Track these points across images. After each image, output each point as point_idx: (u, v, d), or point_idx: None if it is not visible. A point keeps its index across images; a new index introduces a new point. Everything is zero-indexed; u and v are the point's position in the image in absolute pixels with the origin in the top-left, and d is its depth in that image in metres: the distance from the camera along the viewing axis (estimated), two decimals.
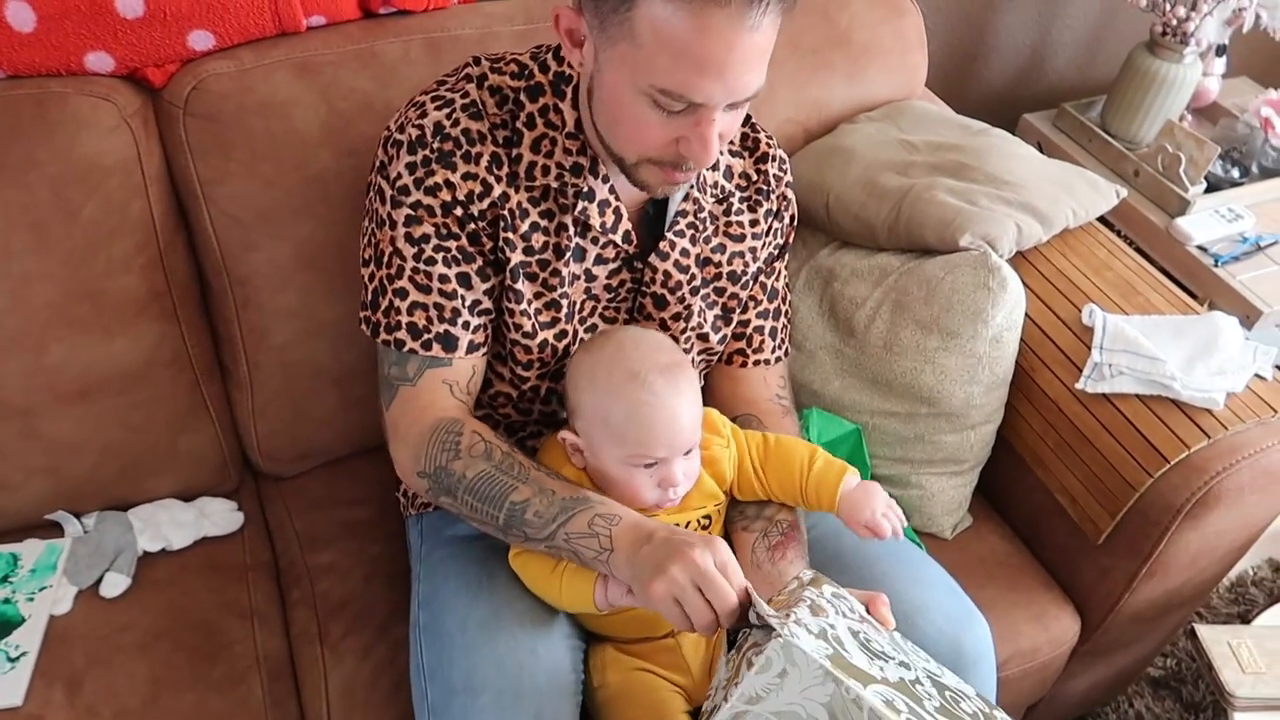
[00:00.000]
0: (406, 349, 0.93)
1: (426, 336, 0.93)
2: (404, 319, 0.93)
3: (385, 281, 0.94)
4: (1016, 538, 1.27)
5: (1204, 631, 1.10)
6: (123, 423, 1.14)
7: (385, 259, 0.93)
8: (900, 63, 1.42)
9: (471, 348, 0.95)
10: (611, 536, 0.82)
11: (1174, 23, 1.62)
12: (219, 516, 1.21)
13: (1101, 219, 1.32)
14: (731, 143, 1.03)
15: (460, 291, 0.93)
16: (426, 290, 0.92)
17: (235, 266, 1.15)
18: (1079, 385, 1.12)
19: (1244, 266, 1.60)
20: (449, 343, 0.93)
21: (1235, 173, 1.74)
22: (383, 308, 0.94)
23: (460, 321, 0.93)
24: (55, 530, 1.15)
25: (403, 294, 0.93)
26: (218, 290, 1.17)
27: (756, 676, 0.69)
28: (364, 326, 0.98)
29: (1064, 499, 1.16)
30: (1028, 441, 1.20)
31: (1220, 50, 1.79)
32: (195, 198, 1.12)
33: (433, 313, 0.93)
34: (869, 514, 0.91)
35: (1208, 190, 1.67)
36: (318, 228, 1.15)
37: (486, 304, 0.95)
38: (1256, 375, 1.10)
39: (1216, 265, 1.59)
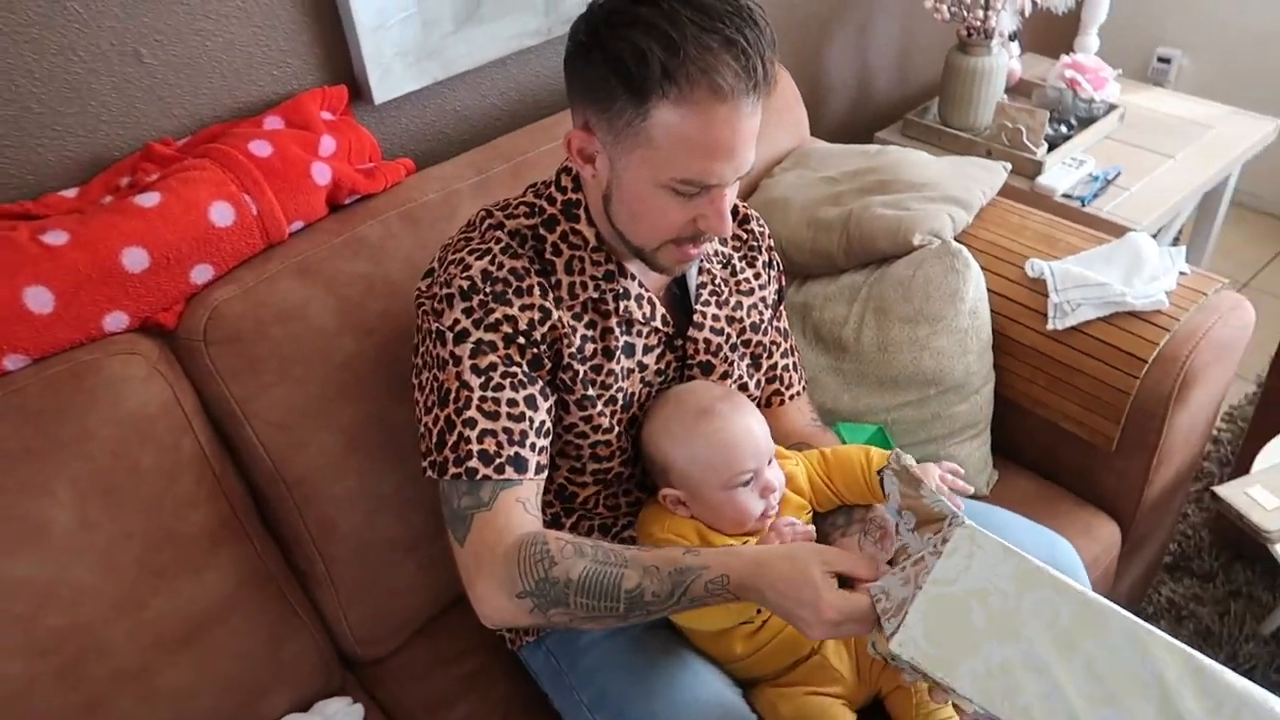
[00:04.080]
0: (480, 476, 0.95)
1: (499, 460, 0.95)
2: (475, 447, 0.95)
3: (453, 416, 0.96)
4: (1039, 475, 1.43)
5: (1222, 490, 1.28)
6: (229, 652, 1.15)
7: (451, 395, 0.96)
8: (788, 118, 1.62)
9: (539, 469, 0.98)
10: (733, 593, 0.89)
11: (976, 24, 1.91)
12: (341, 715, 1.21)
13: None
14: None
15: (528, 413, 0.97)
16: (495, 417, 0.96)
17: (289, 470, 1.18)
18: (1049, 326, 1.30)
19: (1104, 200, 1.87)
20: (520, 464, 0.96)
21: (1063, 129, 2.03)
22: (450, 444, 0.96)
23: (528, 443, 0.97)
24: None
25: (471, 424, 0.95)
26: (274, 498, 1.20)
27: (946, 560, 0.78)
28: (430, 472, 0.98)
29: (1071, 425, 1.33)
30: (1022, 390, 1.37)
31: (1013, 36, 2.10)
32: (235, 418, 1.15)
33: (502, 437, 0.95)
34: (932, 483, 1.03)
35: (1049, 150, 1.94)
36: (358, 409, 1.20)
37: (549, 424, 1.01)
38: (1180, 272, 1.32)
39: (1084, 205, 1.85)
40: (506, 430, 0.96)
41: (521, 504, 0.97)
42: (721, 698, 1.03)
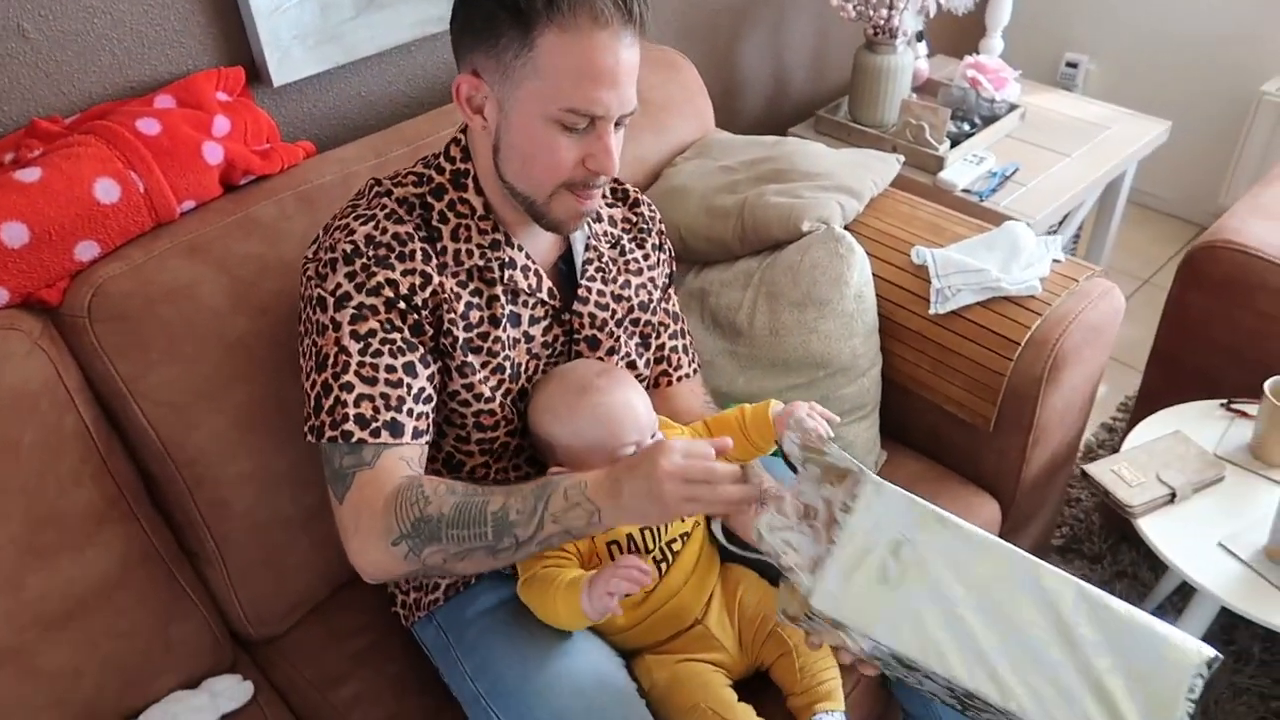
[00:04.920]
0: (355, 439, 0.96)
1: (375, 425, 0.96)
2: (351, 411, 0.96)
3: (331, 380, 0.97)
4: (924, 455, 1.48)
5: (1091, 468, 1.34)
6: (114, 632, 1.14)
7: (330, 360, 0.98)
8: (691, 109, 1.65)
9: (416, 434, 0.99)
10: (590, 498, 0.89)
11: (881, 23, 1.97)
12: (230, 692, 1.21)
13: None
14: (605, 196, 1.20)
15: (406, 380, 0.98)
16: (373, 382, 0.97)
17: (179, 450, 1.17)
18: (931, 311, 1.35)
19: (1002, 195, 1.93)
20: (396, 429, 0.97)
21: (966, 127, 2.10)
22: (327, 407, 0.97)
23: (405, 409, 0.98)
24: None
25: (349, 388, 0.97)
26: (164, 479, 1.19)
27: (856, 517, 0.80)
28: (310, 436, 0.99)
29: (952, 407, 1.38)
30: (908, 373, 1.42)
31: (920, 36, 2.16)
32: (121, 397, 1.15)
33: (379, 402, 0.97)
34: (801, 420, 1.03)
35: (952, 146, 2.01)
36: (252, 388, 1.20)
37: (429, 391, 1.02)
38: (1054, 260, 1.38)
39: (982, 200, 1.91)
40: (384, 395, 0.98)
41: (405, 462, 0.98)
42: (598, 665, 1.05)
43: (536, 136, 0.96)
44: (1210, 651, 0.79)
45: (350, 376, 0.97)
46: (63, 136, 1.19)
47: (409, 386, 0.99)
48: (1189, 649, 0.79)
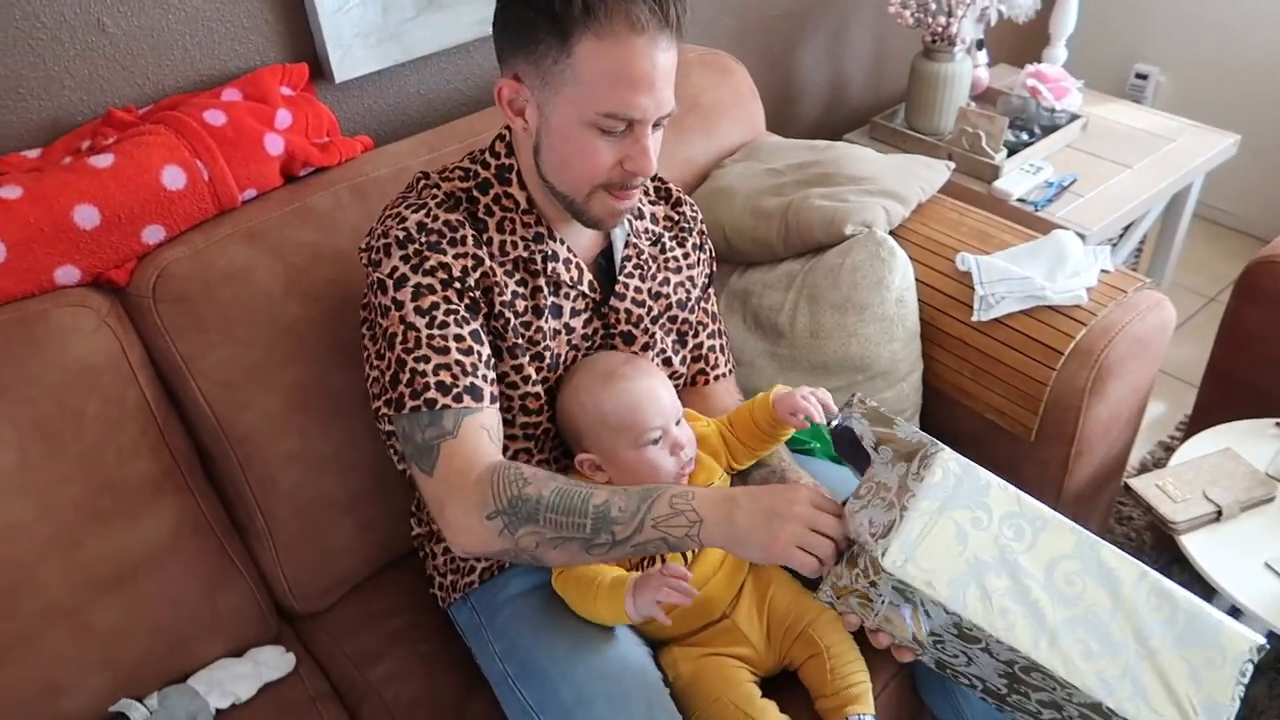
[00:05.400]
0: (439, 406, 0.97)
1: (456, 389, 0.98)
2: (431, 380, 0.98)
3: (403, 355, 0.99)
4: None
5: (1135, 483, 1.32)
6: (164, 597, 1.19)
7: (399, 338, 1.00)
8: (742, 112, 1.66)
9: (493, 399, 1.02)
10: (695, 509, 0.89)
11: (939, 30, 1.95)
12: (272, 662, 1.25)
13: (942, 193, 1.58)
14: (648, 194, 1.22)
15: (475, 347, 1.01)
16: (445, 351, 0.99)
17: (232, 428, 1.23)
18: (974, 318, 1.34)
19: (1058, 205, 1.91)
20: (476, 393, 0.99)
21: (1024, 136, 2.07)
22: (404, 380, 0.99)
23: (480, 373, 1.00)
24: None
25: (424, 359, 0.99)
26: (218, 455, 1.25)
27: (929, 485, 0.81)
28: (387, 409, 1.02)
29: (993, 415, 1.37)
30: (948, 379, 1.41)
31: (980, 45, 2.14)
32: (181, 374, 1.20)
33: (455, 369, 0.99)
34: (795, 400, 1.08)
35: (1009, 155, 1.99)
36: (301, 372, 1.25)
37: (492, 359, 1.05)
38: (1102, 270, 1.36)
39: (1037, 210, 1.89)
40: (459, 363, 1.00)
41: (486, 431, 0.99)
42: (624, 652, 1.07)
43: (575, 140, 0.99)
44: (1259, 638, 0.81)
45: (424, 350, 0.99)
46: (135, 126, 1.25)
47: (479, 354, 1.01)
48: (1243, 635, 0.81)
